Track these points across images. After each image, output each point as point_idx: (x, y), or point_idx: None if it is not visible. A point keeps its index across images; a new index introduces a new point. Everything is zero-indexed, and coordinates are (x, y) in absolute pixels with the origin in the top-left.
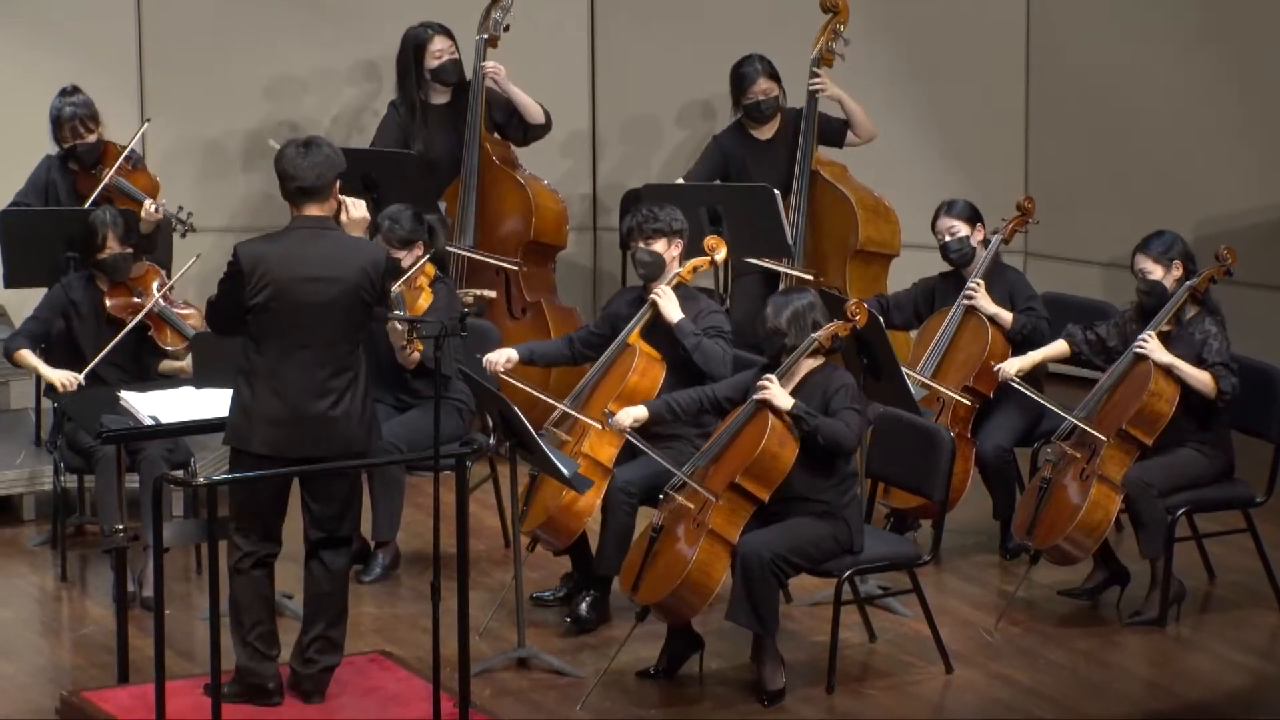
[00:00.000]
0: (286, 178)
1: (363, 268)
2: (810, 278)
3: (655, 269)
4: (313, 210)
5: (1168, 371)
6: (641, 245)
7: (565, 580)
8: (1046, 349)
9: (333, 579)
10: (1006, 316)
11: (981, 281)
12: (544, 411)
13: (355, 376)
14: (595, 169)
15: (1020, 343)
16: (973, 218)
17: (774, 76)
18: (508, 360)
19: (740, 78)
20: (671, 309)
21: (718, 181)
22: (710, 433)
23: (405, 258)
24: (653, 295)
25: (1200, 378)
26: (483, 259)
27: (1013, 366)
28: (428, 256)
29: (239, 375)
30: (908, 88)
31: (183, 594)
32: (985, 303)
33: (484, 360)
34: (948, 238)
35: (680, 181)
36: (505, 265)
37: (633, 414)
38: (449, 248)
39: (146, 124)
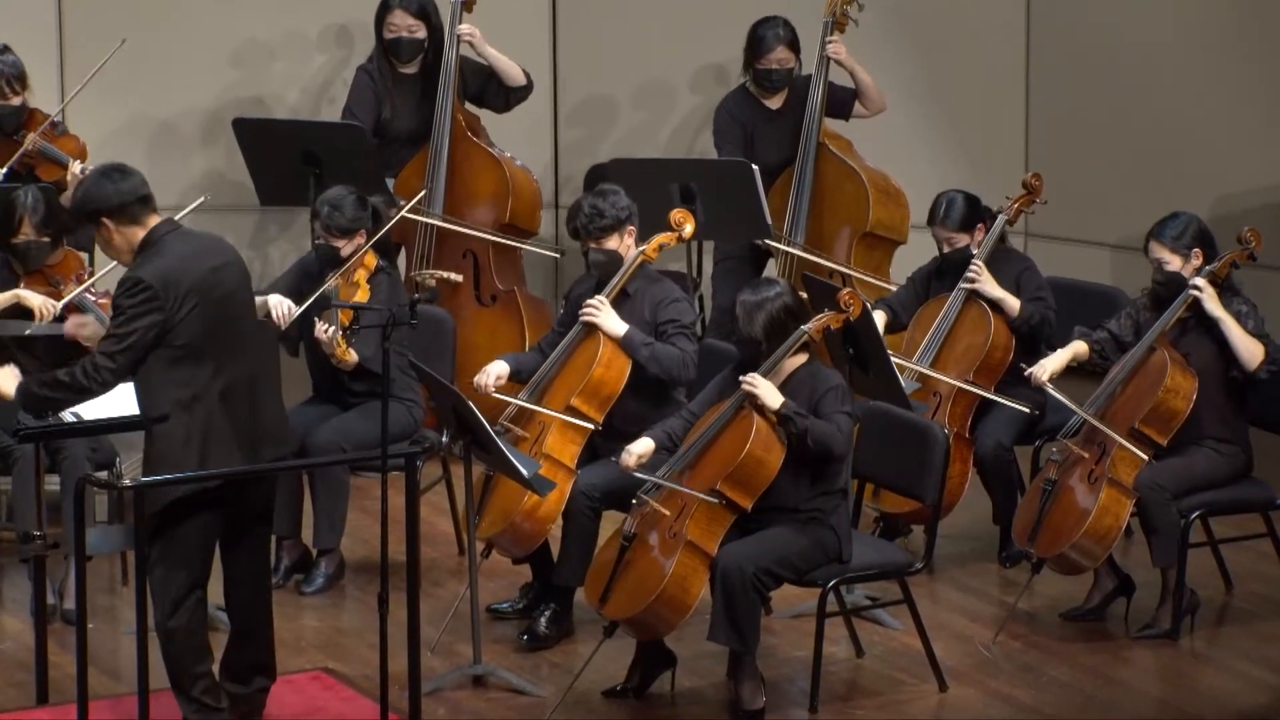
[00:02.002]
0: (120, 197)
1: (237, 256)
2: (857, 277)
3: (612, 267)
4: (156, 217)
5: (1184, 364)
6: (593, 245)
7: (524, 591)
8: (1069, 350)
9: (257, 582)
10: (1013, 302)
11: (981, 264)
12: (501, 405)
13: (275, 380)
14: (557, 142)
15: (1026, 334)
16: (970, 222)
17: (794, 46)
18: (498, 377)
19: (757, 41)
20: (612, 324)
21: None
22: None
23: (345, 247)
24: (584, 315)
25: (1248, 343)
26: (471, 232)
27: (1045, 371)
28: (369, 245)
29: (166, 423)
30: (901, 53)
31: (107, 607)
32: (989, 286)
33: (474, 382)
34: (946, 248)
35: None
36: (512, 242)
37: (637, 451)
38: (421, 218)
39: (122, 43)
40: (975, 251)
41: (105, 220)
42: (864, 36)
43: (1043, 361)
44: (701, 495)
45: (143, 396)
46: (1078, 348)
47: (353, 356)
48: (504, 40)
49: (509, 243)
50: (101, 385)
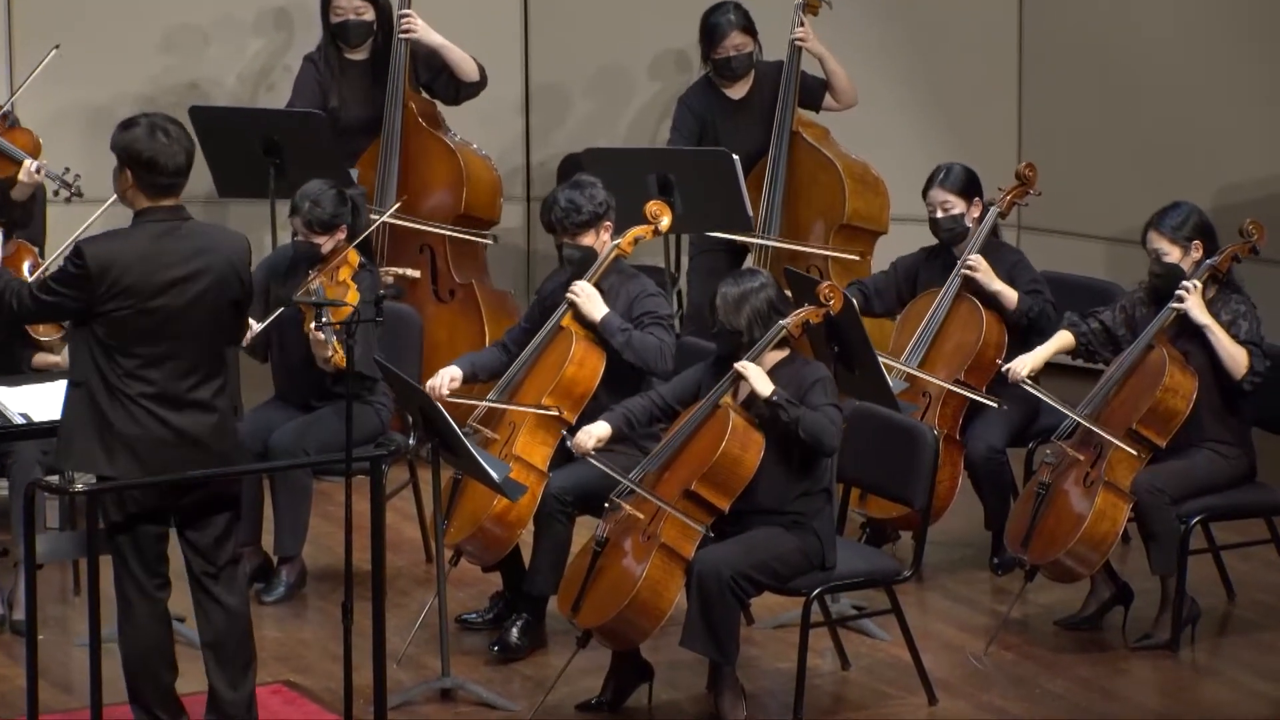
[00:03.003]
0: (152, 167)
1: (229, 259)
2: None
3: (586, 263)
4: (169, 201)
5: (1184, 362)
6: (568, 241)
7: (495, 600)
8: (1054, 343)
9: (231, 619)
10: (1011, 295)
11: (980, 256)
12: (467, 406)
13: (223, 385)
14: (529, 131)
15: (1025, 327)
16: (969, 190)
17: (749, 30)
18: (452, 380)
19: (710, 30)
20: (593, 307)
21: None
22: (658, 434)
23: (325, 243)
24: (569, 294)
25: (1233, 351)
26: (422, 228)
27: (1024, 367)
28: (354, 243)
29: (81, 390)
30: (888, 39)
31: (59, 617)
32: (988, 277)
33: (426, 387)
34: (939, 213)
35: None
36: (467, 236)
37: (595, 433)
38: (372, 215)
39: (54, 51)
40: (970, 225)
41: (125, 169)
42: (850, 21)
43: (1021, 357)
44: (667, 506)
45: (70, 354)
46: (1063, 339)
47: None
48: (472, 25)
49: (452, 233)
50: (17, 308)
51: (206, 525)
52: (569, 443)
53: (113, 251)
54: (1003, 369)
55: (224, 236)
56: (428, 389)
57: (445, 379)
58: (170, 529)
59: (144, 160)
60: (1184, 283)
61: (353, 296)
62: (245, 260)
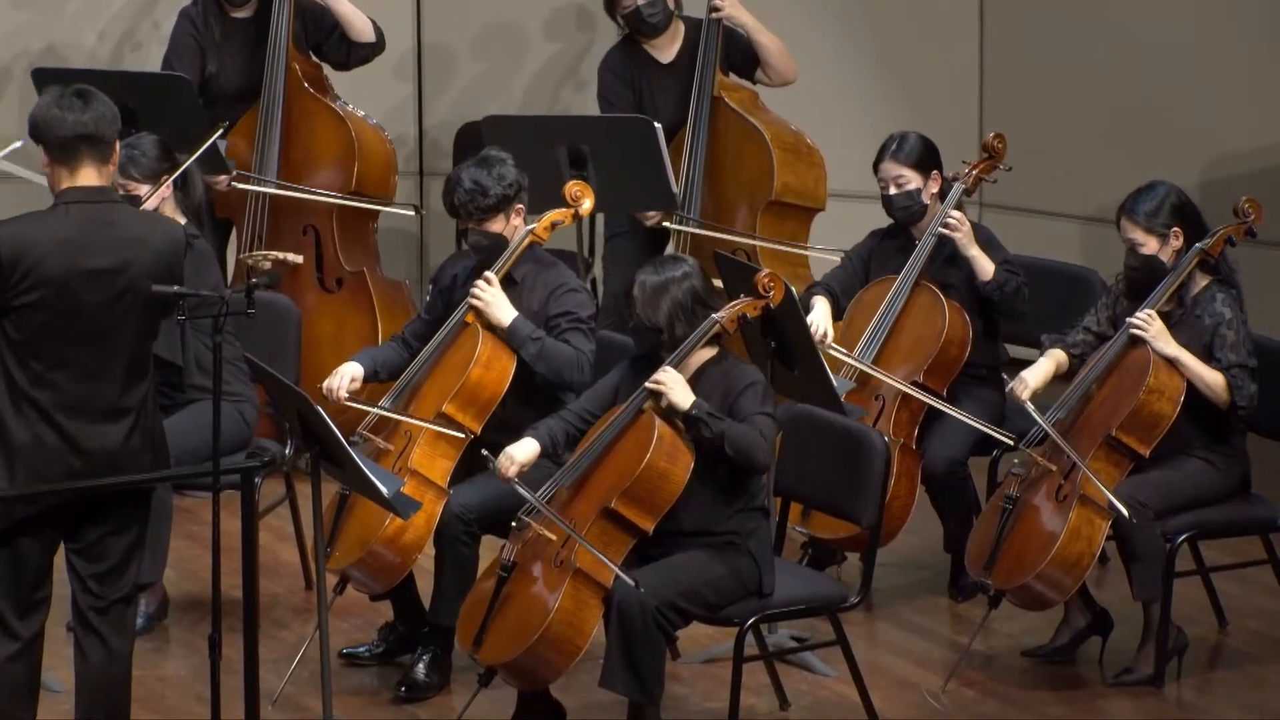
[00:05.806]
0: (41, 136)
1: (158, 251)
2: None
3: (495, 252)
4: (89, 178)
5: (1171, 364)
6: (474, 227)
7: (384, 632)
8: (1050, 360)
9: (111, 663)
10: (987, 265)
11: (961, 214)
12: (357, 412)
13: (148, 395)
14: (421, 96)
15: (997, 301)
16: (926, 163)
17: None
18: (352, 380)
19: None
20: (500, 310)
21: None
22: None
23: (149, 198)
24: (472, 297)
25: (1211, 381)
26: (301, 196)
27: (1026, 389)
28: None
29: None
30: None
31: None
32: (968, 240)
33: (323, 388)
34: (893, 189)
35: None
36: (346, 203)
37: (519, 458)
38: (252, 186)
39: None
40: (927, 203)
41: (42, 150)
42: None
43: (1023, 375)
44: (573, 533)
45: None
46: (1057, 357)
47: None
48: None
49: (358, 205)
50: None
51: (101, 554)
52: (490, 466)
53: (26, 234)
54: (1007, 388)
55: (156, 225)
56: (325, 390)
57: (345, 379)
58: (54, 552)
59: (37, 130)
60: (1137, 315)
61: None
62: (178, 253)
